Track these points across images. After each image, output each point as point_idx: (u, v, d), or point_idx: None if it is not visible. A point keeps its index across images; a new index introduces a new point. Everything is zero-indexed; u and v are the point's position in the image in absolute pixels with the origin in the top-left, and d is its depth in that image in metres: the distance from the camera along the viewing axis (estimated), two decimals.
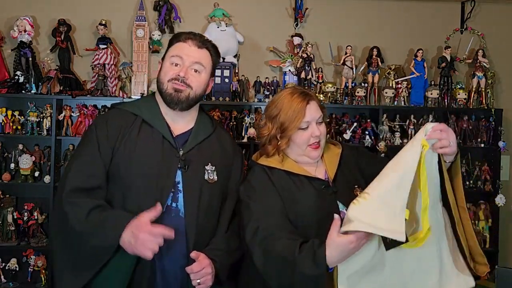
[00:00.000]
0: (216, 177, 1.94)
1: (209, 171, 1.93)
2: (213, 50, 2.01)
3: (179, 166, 1.88)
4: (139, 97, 3.33)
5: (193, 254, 1.81)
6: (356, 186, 1.94)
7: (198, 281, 1.79)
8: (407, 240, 1.55)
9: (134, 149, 1.87)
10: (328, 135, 2.05)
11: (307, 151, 1.93)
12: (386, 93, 3.53)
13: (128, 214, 1.76)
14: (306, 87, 3.34)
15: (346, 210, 1.84)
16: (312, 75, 3.49)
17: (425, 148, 1.63)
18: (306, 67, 3.47)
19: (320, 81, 3.51)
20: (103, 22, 3.39)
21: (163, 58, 2.01)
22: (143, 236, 1.68)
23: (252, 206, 1.86)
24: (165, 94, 1.93)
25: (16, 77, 3.28)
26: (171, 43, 2.00)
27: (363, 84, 3.53)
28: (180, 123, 1.98)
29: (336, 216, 1.66)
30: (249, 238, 1.81)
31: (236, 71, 3.52)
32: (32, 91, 3.30)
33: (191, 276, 1.80)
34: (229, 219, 1.98)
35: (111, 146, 1.87)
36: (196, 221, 1.86)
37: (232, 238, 1.93)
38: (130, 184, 1.84)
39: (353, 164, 2.03)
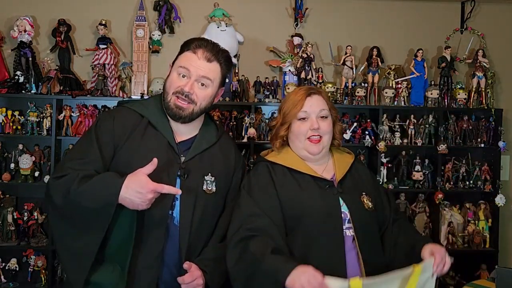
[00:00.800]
0: (214, 188, 1.92)
1: (208, 181, 1.92)
2: (224, 61, 1.95)
3: (178, 174, 1.87)
4: (139, 97, 3.34)
5: (186, 265, 1.80)
6: (364, 193, 1.95)
7: None
8: None
9: (138, 150, 1.85)
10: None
11: (306, 144, 1.94)
12: (386, 93, 3.53)
13: (117, 174, 1.75)
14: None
15: (348, 211, 1.86)
16: (312, 75, 3.49)
17: (417, 271, 1.73)
18: (306, 67, 3.47)
19: (320, 81, 3.51)
20: (103, 22, 3.39)
21: (173, 62, 1.97)
22: (151, 196, 1.69)
23: (243, 205, 1.88)
24: (167, 107, 1.90)
25: (16, 77, 3.28)
26: (181, 50, 1.95)
27: (363, 84, 3.53)
28: (184, 130, 1.96)
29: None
30: (228, 237, 1.85)
31: (236, 71, 3.51)
32: (32, 91, 3.30)
33: (182, 287, 1.80)
34: (225, 230, 1.95)
35: (114, 144, 1.85)
36: (189, 230, 1.85)
37: (218, 248, 1.90)
38: None
39: (367, 181, 2.03)
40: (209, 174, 1.92)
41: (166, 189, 1.71)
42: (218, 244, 1.93)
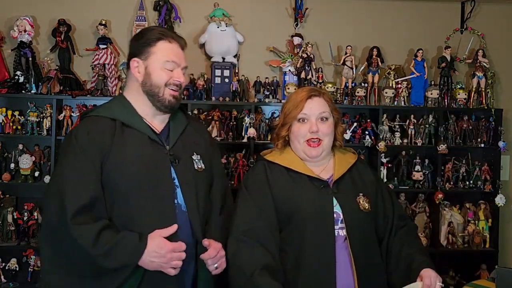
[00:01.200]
0: (203, 165, 1.95)
1: (196, 160, 1.94)
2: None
3: (170, 162, 1.88)
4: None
5: (206, 241, 1.83)
6: (361, 194, 1.95)
7: (216, 265, 1.84)
8: None
9: (124, 154, 1.81)
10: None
11: (304, 147, 1.96)
12: (386, 93, 3.53)
13: (138, 234, 1.75)
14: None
15: (341, 211, 1.89)
16: (312, 75, 3.49)
17: None
18: (306, 67, 3.47)
19: (320, 81, 3.51)
20: (103, 22, 3.39)
21: (138, 57, 1.88)
22: (170, 255, 1.73)
23: (239, 204, 1.94)
24: (162, 100, 1.88)
25: (16, 77, 3.28)
26: (150, 42, 1.87)
27: (363, 84, 3.53)
28: (159, 120, 1.94)
29: None
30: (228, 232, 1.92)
31: (236, 71, 3.52)
32: (32, 91, 3.31)
33: (208, 262, 1.83)
34: (221, 201, 2.01)
35: (100, 157, 1.79)
36: (197, 212, 1.87)
37: (227, 219, 1.96)
38: (130, 190, 1.79)
39: (368, 182, 2.02)
40: (194, 153, 1.95)
41: (183, 245, 1.77)
42: (219, 217, 1.97)
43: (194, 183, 1.90)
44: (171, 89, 1.88)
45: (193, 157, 1.94)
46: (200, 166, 1.94)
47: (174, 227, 1.77)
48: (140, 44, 1.90)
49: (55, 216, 1.74)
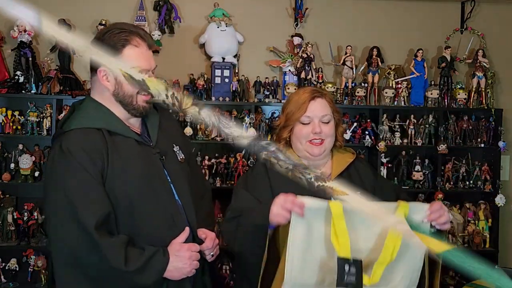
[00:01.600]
0: (183, 155, 1.96)
1: (177, 152, 1.95)
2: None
3: (160, 160, 1.87)
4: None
5: (203, 234, 1.86)
6: (358, 193, 1.96)
7: (212, 253, 1.88)
8: None
9: (122, 164, 1.78)
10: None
11: (307, 146, 1.97)
12: (386, 93, 3.53)
13: (161, 248, 1.75)
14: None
15: None
16: (312, 75, 3.49)
17: (404, 206, 1.69)
18: (306, 67, 3.47)
19: (320, 81, 3.51)
20: (103, 22, 3.39)
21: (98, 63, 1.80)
22: (189, 254, 1.76)
23: (239, 193, 1.97)
24: (136, 108, 1.84)
25: (16, 77, 3.28)
26: (116, 50, 1.81)
27: (363, 84, 3.53)
28: (135, 121, 1.91)
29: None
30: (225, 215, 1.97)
31: (236, 71, 3.52)
32: (32, 91, 3.31)
33: (206, 252, 1.86)
34: (201, 184, 2.06)
35: (100, 171, 1.75)
36: (191, 205, 1.88)
37: (205, 203, 2.02)
38: (134, 198, 1.77)
39: (367, 180, 2.03)
40: (174, 145, 1.96)
41: (197, 246, 1.81)
42: (201, 202, 1.99)
43: (182, 176, 1.90)
44: (143, 95, 1.83)
45: (174, 149, 1.94)
46: (182, 157, 1.94)
47: (187, 230, 1.79)
48: (106, 50, 1.80)
49: (75, 238, 1.68)
